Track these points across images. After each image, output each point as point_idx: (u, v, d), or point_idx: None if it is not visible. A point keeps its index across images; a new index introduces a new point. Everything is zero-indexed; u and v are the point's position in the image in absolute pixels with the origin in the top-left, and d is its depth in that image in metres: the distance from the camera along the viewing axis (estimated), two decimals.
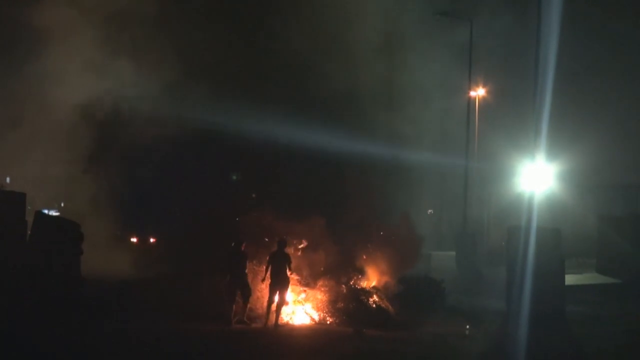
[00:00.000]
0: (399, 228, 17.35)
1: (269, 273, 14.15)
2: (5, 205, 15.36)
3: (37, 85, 20.24)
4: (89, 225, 16.03)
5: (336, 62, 16.85)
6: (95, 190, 19.34)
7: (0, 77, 22.16)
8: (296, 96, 16.71)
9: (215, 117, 16.40)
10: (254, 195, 16.66)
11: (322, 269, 15.75)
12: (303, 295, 15.38)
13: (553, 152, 25.67)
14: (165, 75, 17.31)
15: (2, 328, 12.13)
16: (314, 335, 13.80)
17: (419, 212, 25.93)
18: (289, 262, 14.23)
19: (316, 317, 15.18)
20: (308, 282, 15.51)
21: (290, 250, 14.76)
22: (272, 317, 14.14)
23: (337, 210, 16.09)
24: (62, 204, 26.75)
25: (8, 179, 26.49)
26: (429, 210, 39.57)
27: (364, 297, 15.72)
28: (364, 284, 16.22)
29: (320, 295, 15.45)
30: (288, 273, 14.19)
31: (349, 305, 15.35)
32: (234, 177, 18.78)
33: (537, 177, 21.71)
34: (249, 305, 14.31)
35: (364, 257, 16.51)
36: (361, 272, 16.28)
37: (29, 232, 15.14)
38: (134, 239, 21.33)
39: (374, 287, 16.23)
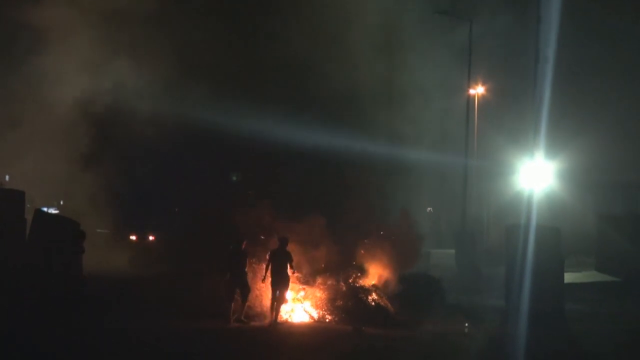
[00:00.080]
0: (399, 227, 17.37)
1: (269, 272, 14.12)
2: (5, 203, 15.42)
3: (37, 84, 20.25)
4: (89, 225, 16.01)
5: (336, 62, 16.84)
6: (95, 188, 19.32)
7: (0, 77, 22.20)
8: (296, 96, 16.70)
9: (215, 117, 16.38)
10: (250, 193, 16.59)
11: (322, 265, 15.77)
12: (302, 293, 15.39)
13: (552, 150, 25.73)
14: (165, 74, 17.30)
15: (2, 328, 12.12)
16: (313, 333, 13.82)
17: (418, 211, 25.91)
18: (291, 261, 14.17)
19: (315, 315, 15.21)
20: (307, 280, 15.53)
21: (291, 247, 14.73)
22: (274, 315, 14.16)
23: (337, 210, 16.08)
24: (62, 202, 26.74)
25: (7, 177, 26.50)
26: (429, 209, 39.56)
27: (363, 295, 15.75)
28: (364, 282, 16.25)
29: (319, 293, 15.47)
30: (289, 272, 14.16)
31: (348, 303, 15.38)
32: (234, 177, 18.77)
33: (536, 175, 21.79)
34: (247, 304, 14.32)
35: (364, 255, 16.53)
36: (361, 270, 16.30)
37: (29, 230, 15.13)
38: (133, 237, 21.37)
39: (373, 285, 16.24)
